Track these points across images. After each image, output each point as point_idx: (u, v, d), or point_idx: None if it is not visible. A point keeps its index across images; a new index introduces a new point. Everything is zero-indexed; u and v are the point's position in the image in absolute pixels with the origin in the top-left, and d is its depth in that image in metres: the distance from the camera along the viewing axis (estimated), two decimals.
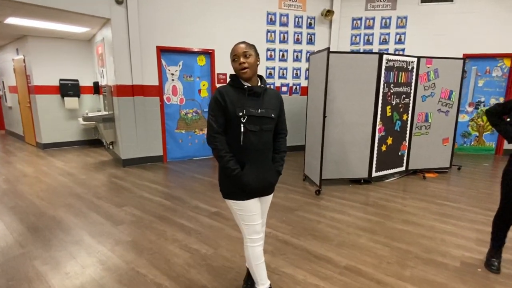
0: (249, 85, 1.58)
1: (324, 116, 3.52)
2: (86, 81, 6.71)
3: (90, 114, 5.10)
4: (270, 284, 1.79)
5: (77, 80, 6.60)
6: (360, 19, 5.95)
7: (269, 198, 1.80)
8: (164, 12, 4.93)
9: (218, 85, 5.45)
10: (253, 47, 1.58)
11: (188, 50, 5.20)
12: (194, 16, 5.10)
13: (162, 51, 5.04)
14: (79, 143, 6.93)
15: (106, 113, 5.27)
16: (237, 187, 1.60)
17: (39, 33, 5.87)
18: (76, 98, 6.57)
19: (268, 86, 1.71)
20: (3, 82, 8.12)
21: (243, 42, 1.57)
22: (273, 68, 5.73)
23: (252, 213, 1.66)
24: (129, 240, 2.64)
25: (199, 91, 5.49)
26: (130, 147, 5.08)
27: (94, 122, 5.34)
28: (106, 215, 3.16)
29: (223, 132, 1.60)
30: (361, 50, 6.01)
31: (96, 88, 6.39)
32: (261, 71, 5.69)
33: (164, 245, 2.56)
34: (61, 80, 6.43)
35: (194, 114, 5.54)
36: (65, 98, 6.47)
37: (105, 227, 2.91)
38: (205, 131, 5.77)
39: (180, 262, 2.30)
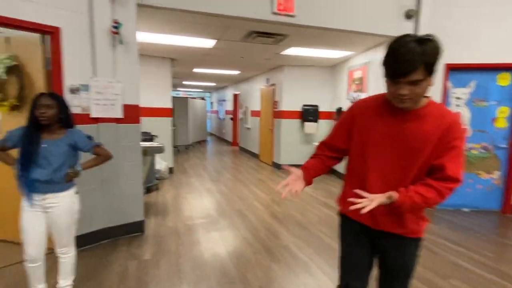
0: None
1: None
2: (323, 107, 6.69)
3: None
4: None
5: (316, 106, 6.67)
6: None
7: None
8: (459, 23, 3.93)
9: None
10: None
11: (486, 66, 3.93)
12: (500, 21, 3.81)
13: (451, 69, 4.02)
14: None
15: None
16: None
17: (293, 62, 6.27)
18: (315, 123, 6.62)
19: None
20: (246, 107, 9.60)
21: None
22: None
23: None
24: None
25: (494, 120, 4.06)
26: None
27: None
28: None
29: None
30: None
31: (339, 114, 6.17)
32: None
33: None
34: (304, 105, 6.66)
35: (481, 150, 4.14)
36: (305, 123, 6.63)
37: None
38: (494, 174, 4.22)
39: None
